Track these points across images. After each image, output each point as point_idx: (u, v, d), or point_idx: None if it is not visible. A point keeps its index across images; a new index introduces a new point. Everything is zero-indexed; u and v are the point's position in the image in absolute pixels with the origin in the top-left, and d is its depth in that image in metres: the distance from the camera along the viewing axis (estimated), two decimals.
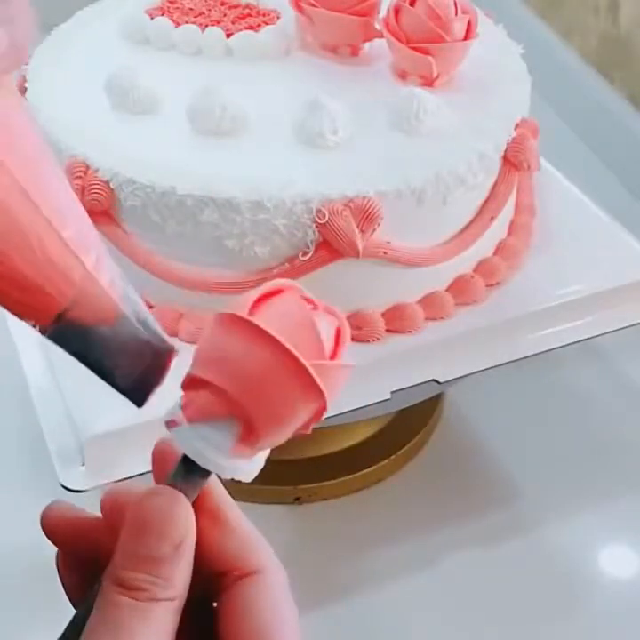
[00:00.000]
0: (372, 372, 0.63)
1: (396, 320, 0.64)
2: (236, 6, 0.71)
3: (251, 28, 0.69)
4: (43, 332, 0.31)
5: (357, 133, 0.62)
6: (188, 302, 0.63)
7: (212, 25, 0.69)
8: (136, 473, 0.58)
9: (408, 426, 0.79)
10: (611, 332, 0.69)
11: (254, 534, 0.35)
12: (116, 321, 0.32)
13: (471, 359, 0.65)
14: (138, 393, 0.33)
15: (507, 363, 0.66)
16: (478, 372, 0.65)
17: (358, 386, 0.62)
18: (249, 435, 0.32)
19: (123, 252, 0.62)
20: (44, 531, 0.36)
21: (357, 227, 0.58)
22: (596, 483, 0.77)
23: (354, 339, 0.63)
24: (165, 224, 0.60)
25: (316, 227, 0.58)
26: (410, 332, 0.64)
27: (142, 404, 0.33)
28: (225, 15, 0.70)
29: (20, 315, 0.31)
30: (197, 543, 0.33)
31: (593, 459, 0.79)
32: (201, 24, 0.69)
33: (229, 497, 0.35)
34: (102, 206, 0.61)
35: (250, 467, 0.33)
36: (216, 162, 0.60)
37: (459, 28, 0.65)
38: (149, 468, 0.61)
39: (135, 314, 0.32)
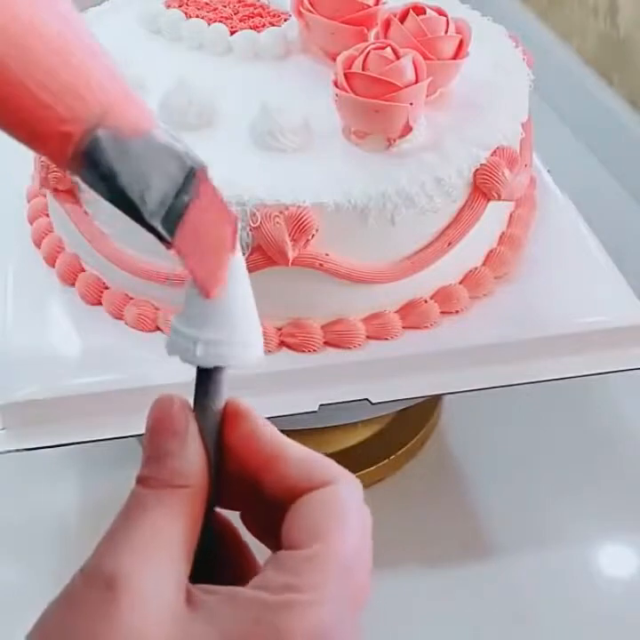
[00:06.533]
0: None
1: (377, 328, 0.64)
2: (250, 5, 0.72)
3: (255, 27, 0.69)
4: (75, 153, 0.29)
5: (316, 142, 0.61)
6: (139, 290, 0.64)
7: (220, 21, 0.70)
8: (52, 443, 0.60)
9: (408, 426, 0.79)
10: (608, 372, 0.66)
11: (316, 454, 0.36)
12: (150, 130, 0.30)
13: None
14: (168, 222, 0.31)
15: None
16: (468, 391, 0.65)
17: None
18: None
19: (80, 231, 0.64)
20: None
21: (289, 235, 0.57)
22: (594, 482, 0.77)
23: (336, 344, 0.63)
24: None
25: (250, 230, 0.58)
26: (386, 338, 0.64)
27: (171, 239, 0.31)
28: (236, 13, 0.71)
29: (53, 121, 0.29)
30: (265, 473, 0.34)
31: (592, 458, 0.78)
32: (209, 19, 0.70)
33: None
34: (66, 185, 0.63)
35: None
36: None
37: (448, 46, 0.63)
38: (65, 441, 0.62)
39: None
